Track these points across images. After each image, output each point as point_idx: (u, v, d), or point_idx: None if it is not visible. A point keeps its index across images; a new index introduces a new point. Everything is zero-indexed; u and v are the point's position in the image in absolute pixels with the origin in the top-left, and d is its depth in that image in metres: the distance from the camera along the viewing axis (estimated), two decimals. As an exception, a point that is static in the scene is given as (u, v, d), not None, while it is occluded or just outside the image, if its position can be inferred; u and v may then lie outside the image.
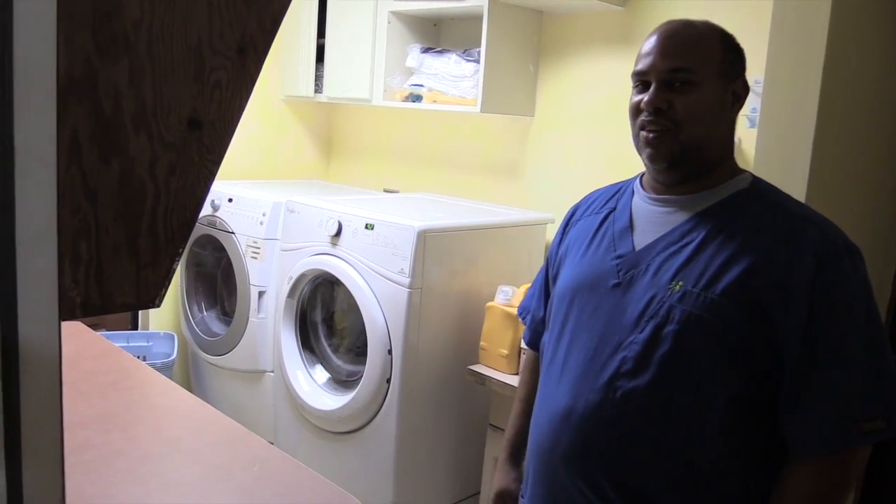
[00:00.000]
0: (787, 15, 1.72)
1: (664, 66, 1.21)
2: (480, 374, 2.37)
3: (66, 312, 0.53)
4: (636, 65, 1.26)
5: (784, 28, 1.73)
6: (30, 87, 0.48)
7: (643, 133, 1.24)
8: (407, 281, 2.35)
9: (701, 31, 1.24)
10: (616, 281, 1.27)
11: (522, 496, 1.44)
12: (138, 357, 2.59)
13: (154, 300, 0.58)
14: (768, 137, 1.76)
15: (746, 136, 2.24)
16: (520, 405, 1.61)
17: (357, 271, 2.48)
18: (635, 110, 1.26)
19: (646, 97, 1.22)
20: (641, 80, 1.25)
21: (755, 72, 1.78)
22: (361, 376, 2.50)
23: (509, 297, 2.38)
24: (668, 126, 1.21)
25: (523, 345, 1.66)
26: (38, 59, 0.48)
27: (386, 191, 3.48)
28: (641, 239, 1.28)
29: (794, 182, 1.70)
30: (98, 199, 0.54)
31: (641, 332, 1.21)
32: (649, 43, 1.25)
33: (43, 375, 0.50)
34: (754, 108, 2.16)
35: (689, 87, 1.21)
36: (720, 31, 1.26)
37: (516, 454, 1.58)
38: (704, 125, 1.22)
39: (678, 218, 1.26)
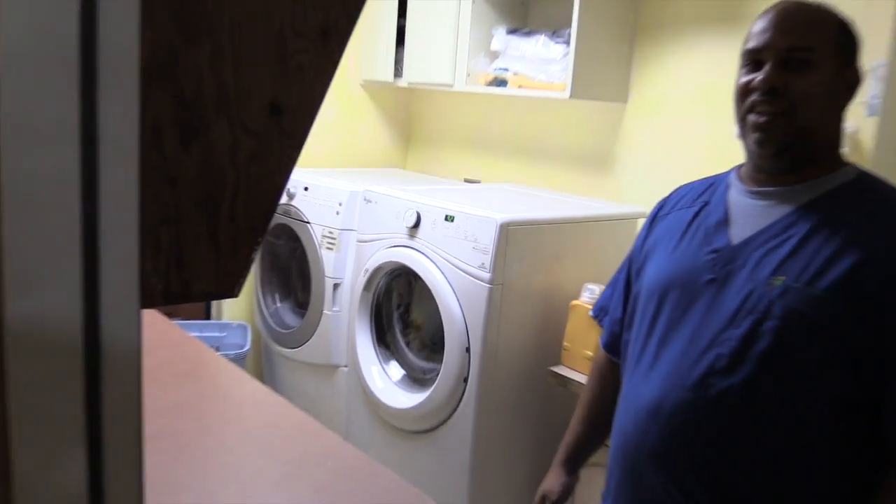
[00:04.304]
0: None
1: (783, 44, 1.19)
2: (563, 376, 2.36)
3: (147, 300, 0.54)
4: (747, 42, 1.24)
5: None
6: (113, 73, 0.50)
7: (752, 116, 1.22)
8: (488, 276, 2.35)
9: (819, 12, 1.23)
10: (711, 276, 1.26)
11: (604, 500, 1.44)
12: (212, 347, 2.68)
13: (233, 289, 0.59)
14: (891, 125, 1.68)
15: (864, 124, 2.15)
16: (581, 411, 1.62)
17: (435, 265, 2.49)
18: (744, 91, 1.24)
19: (760, 76, 1.21)
20: (754, 59, 1.23)
21: (874, 55, 1.70)
22: (437, 374, 2.51)
23: (596, 295, 2.35)
24: (782, 108, 1.19)
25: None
26: (121, 44, 0.50)
27: (467, 181, 3.48)
28: (739, 233, 1.27)
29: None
30: (179, 186, 0.56)
31: (738, 327, 1.20)
32: (764, 20, 1.23)
33: (124, 363, 0.52)
34: (875, 95, 2.06)
35: (808, 67, 1.18)
36: (837, 14, 1.24)
37: (570, 460, 1.62)
38: (818, 110, 1.21)
39: (780, 211, 1.24)
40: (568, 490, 1.59)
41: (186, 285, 0.57)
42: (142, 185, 0.52)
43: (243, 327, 3.47)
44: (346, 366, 3.04)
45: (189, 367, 2.01)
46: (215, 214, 0.58)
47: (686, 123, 2.71)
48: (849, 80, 1.23)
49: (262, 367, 3.56)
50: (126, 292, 0.51)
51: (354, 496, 1.44)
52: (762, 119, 1.21)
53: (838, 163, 1.26)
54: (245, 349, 3.32)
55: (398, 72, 3.42)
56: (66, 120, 0.48)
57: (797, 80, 1.19)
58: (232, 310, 3.60)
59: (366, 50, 3.56)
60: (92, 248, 0.50)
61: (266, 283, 3.43)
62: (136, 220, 0.51)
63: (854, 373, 1.15)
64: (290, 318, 3.34)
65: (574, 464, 1.61)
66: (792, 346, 1.16)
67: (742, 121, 1.25)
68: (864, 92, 1.26)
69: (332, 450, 1.60)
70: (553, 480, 1.60)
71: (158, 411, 1.69)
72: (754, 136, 1.23)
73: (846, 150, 1.37)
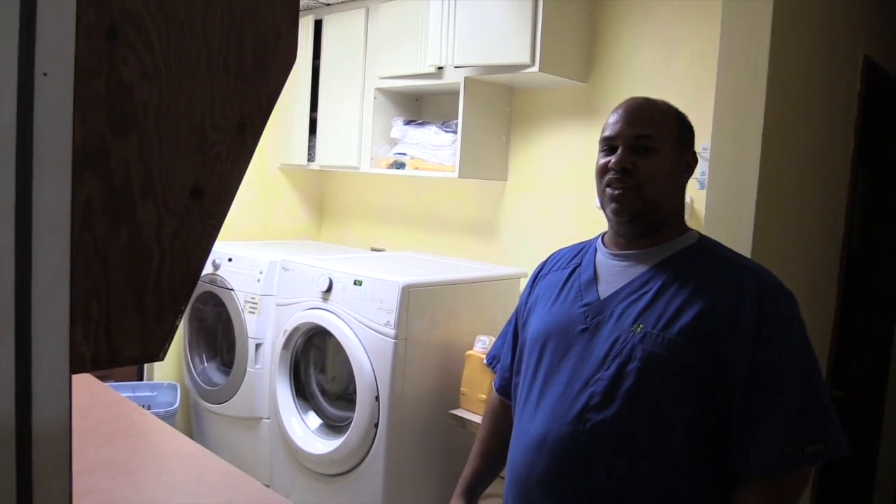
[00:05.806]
0: (729, 89, 1.77)
1: (631, 133, 1.27)
2: (461, 417, 2.35)
3: (77, 366, 0.52)
4: (604, 131, 1.30)
5: (727, 100, 1.78)
6: (47, 160, 0.48)
7: (609, 190, 1.28)
8: (392, 332, 2.34)
9: (661, 106, 1.31)
10: (584, 326, 1.29)
11: None
12: (143, 406, 2.54)
13: (158, 354, 0.57)
14: (716, 197, 1.80)
15: (697, 196, 2.28)
16: (478, 447, 1.60)
17: (346, 324, 2.46)
18: (602, 170, 1.30)
19: (614, 158, 1.27)
20: (609, 145, 1.30)
21: (702, 140, 1.82)
22: (351, 421, 2.46)
23: (486, 345, 2.37)
24: (631, 184, 1.26)
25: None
26: (55, 135, 0.49)
27: (373, 249, 3.48)
28: (605, 289, 1.31)
29: (740, 236, 1.72)
30: (108, 262, 0.54)
31: (607, 369, 1.22)
32: (617, 113, 1.30)
33: (54, 425, 0.49)
34: (703, 172, 2.20)
35: (651, 152, 1.26)
36: (676, 109, 1.33)
37: (469, 491, 1.58)
38: (662, 186, 1.27)
39: (637, 270, 1.29)
40: None
41: (114, 351, 0.55)
42: (73, 261, 0.50)
43: (173, 386, 3.31)
44: (268, 418, 2.93)
45: (120, 426, 1.90)
46: (142, 286, 0.56)
47: (555, 197, 2.82)
48: (687, 162, 1.31)
49: (191, 422, 3.39)
50: (57, 360, 0.49)
51: (276, 537, 1.38)
52: (616, 192, 1.27)
53: (683, 228, 1.33)
54: (174, 407, 3.16)
55: (311, 157, 3.42)
56: (1, 201, 0.46)
57: (643, 161, 1.26)
58: (163, 370, 3.43)
59: (282, 138, 3.55)
60: (24, 319, 0.48)
61: (194, 346, 3.30)
62: (66, 293, 0.49)
63: (705, 403, 1.19)
64: (217, 377, 3.21)
65: (472, 494, 1.58)
66: (652, 382, 1.20)
67: (602, 194, 1.31)
68: (696, 170, 1.34)
69: (255, 497, 1.54)
70: None
71: (90, 469, 1.59)
72: (611, 207, 1.29)
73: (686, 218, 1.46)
